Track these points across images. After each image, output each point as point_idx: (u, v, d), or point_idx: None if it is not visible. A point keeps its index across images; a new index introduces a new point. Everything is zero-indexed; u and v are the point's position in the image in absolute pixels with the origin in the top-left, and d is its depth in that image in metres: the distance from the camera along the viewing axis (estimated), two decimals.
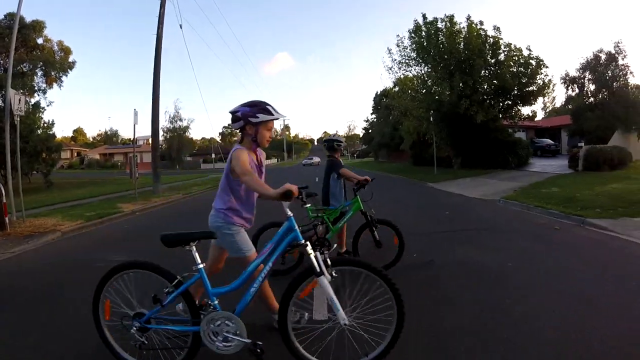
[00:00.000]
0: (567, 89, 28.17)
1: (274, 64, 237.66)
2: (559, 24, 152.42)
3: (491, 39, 22.07)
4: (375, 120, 58.88)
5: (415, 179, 21.29)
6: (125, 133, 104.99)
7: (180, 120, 59.41)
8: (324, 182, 5.25)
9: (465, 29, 22.20)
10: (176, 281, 2.53)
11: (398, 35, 24.87)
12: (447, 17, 22.68)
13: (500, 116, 23.39)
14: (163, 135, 54.33)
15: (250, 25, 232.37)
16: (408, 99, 25.99)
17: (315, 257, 2.46)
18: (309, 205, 4.67)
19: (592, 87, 26.52)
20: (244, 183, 2.81)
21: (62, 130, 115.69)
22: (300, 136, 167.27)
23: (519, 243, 6.37)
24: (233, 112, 2.94)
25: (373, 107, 59.38)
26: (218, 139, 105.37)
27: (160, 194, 16.48)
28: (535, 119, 31.51)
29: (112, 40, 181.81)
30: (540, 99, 23.33)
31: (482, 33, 22.05)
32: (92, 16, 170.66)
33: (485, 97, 22.13)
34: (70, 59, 26.27)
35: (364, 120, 70.92)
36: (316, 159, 67.44)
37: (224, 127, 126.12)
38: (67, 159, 68.32)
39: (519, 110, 23.56)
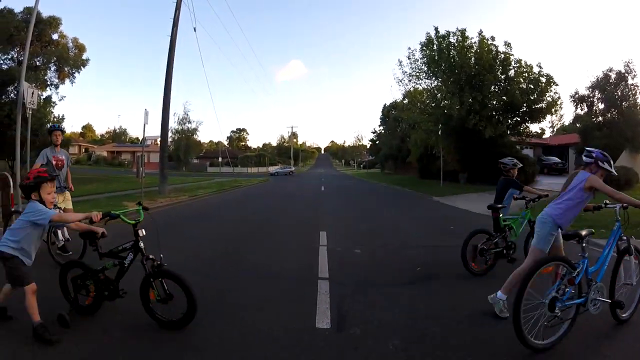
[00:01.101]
0: (576, 107, 28.11)
1: (286, 71, 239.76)
2: (569, 41, 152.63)
3: (502, 55, 22.07)
4: (383, 131, 58.94)
5: (421, 192, 21.20)
6: (134, 132, 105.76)
7: (189, 122, 59.91)
8: (497, 197, 5.94)
9: (477, 44, 22.21)
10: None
11: (409, 48, 24.83)
12: (459, 30, 22.71)
13: (509, 132, 23.31)
14: (171, 136, 54.64)
15: (264, 32, 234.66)
16: (417, 111, 26.00)
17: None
18: (501, 215, 5.62)
19: (601, 106, 26.43)
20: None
21: (71, 126, 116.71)
22: (308, 144, 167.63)
23: (522, 260, 6.28)
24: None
25: (381, 118, 59.53)
26: (225, 142, 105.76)
27: (166, 195, 16.54)
28: (543, 137, 31.38)
29: (125, 40, 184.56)
30: (548, 117, 23.24)
31: (493, 49, 22.06)
32: (107, 15, 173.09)
33: (494, 112, 22.06)
34: (84, 56, 26.48)
35: (372, 132, 70.83)
36: (289, 169, 64.54)
37: (232, 131, 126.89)
38: (75, 155, 68.76)
39: (527, 127, 23.48)
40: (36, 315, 3.19)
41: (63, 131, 6.62)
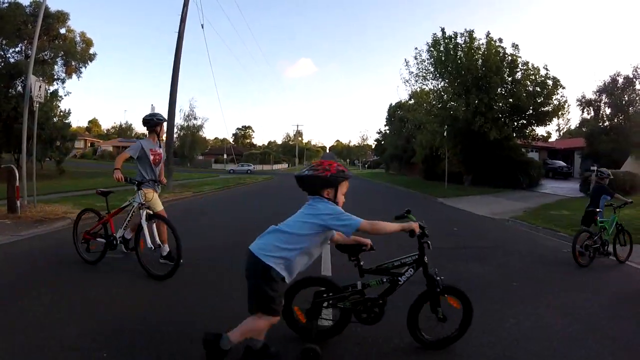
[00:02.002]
0: (583, 111, 28.04)
1: (295, 68, 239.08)
2: (577, 44, 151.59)
3: (509, 57, 21.99)
4: (388, 131, 58.83)
5: (426, 193, 21.18)
6: (140, 127, 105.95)
7: (195, 118, 60.02)
8: (592, 201, 7.00)
9: (484, 46, 22.13)
10: None
11: (416, 48, 24.77)
12: (466, 32, 22.62)
13: (515, 135, 23.24)
14: (177, 132, 54.83)
15: (274, 30, 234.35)
16: (423, 112, 25.94)
17: None
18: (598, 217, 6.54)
19: (608, 110, 26.33)
20: None
21: (77, 120, 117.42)
22: (313, 143, 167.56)
23: (525, 263, 6.33)
24: None
25: (387, 118, 59.36)
26: (231, 140, 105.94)
27: (170, 191, 16.58)
28: (549, 140, 31.30)
29: (133, 36, 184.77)
30: (555, 120, 23.16)
31: (501, 51, 21.98)
32: (115, 10, 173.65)
33: (500, 115, 21.99)
34: (91, 51, 26.59)
35: (377, 132, 70.74)
36: (249, 167, 60.20)
37: (238, 128, 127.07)
38: (81, 149, 69.17)
39: (533, 130, 23.38)
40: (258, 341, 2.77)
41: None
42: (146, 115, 5.40)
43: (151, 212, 4.91)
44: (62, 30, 24.90)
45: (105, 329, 3.34)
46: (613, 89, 25.17)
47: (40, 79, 11.03)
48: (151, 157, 5.33)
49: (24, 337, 3.12)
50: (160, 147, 5.52)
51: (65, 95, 24.66)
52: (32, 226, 7.57)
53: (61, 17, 23.90)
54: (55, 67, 24.20)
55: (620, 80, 25.00)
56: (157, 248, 4.77)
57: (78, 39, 26.07)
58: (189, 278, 4.81)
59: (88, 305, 3.87)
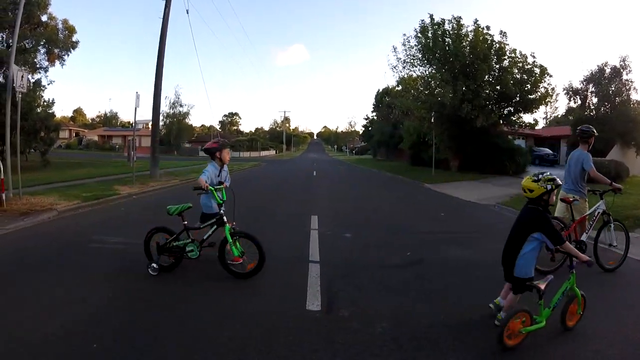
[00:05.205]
0: (570, 100, 28.25)
1: (284, 55, 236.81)
2: (566, 33, 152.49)
3: (497, 45, 22.02)
4: (375, 118, 58.85)
5: (413, 179, 21.32)
6: (125, 116, 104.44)
7: (181, 106, 59.38)
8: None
9: (472, 33, 22.13)
10: None
11: (404, 34, 24.61)
12: (454, 19, 22.55)
13: (501, 122, 23.40)
14: (162, 120, 54.14)
15: (262, 16, 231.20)
16: (410, 98, 25.94)
17: None
18: None
19: (594, 99, 26.59)
20: None
21: (61, 110, 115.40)
22: (300, 129, 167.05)
23: None
24: None
25: (374, 104, 59.37)
26: (218, 127, 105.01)
27: (157, 179, 16.48)
28: (536, 128, 31.58)
29: (116, 22, 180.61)
30: (542, 108, 23.34)
31: (489, 38, 21.98)
32: None
33: (487, 102, 22.08)
34: (74, 38, 26.02)
35: (364, 118, 70.63)
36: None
37: (224, 115, 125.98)
38: (66, 139, 67.94)
39: (520, 117, 23.54)
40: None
41: None
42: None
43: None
44: (44, 18, 24.28)
45: (96, 320, 3.37)
46: (600, 79, 25.41)
47: (23, 68, 10.78)
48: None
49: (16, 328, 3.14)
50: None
51: (48, 85, 24.14)
52: (18, 219, 7.48)
53: (42, 4, 23.24)
54: (38, 55, 23.67)
55: (608, 70, 25.24)
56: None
57: (60, 26, 25.48)
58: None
59: (82, 294, 3.89)
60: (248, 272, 4.56)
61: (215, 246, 4.64)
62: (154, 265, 4.56)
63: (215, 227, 4.67)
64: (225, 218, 4.60)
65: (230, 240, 4.52)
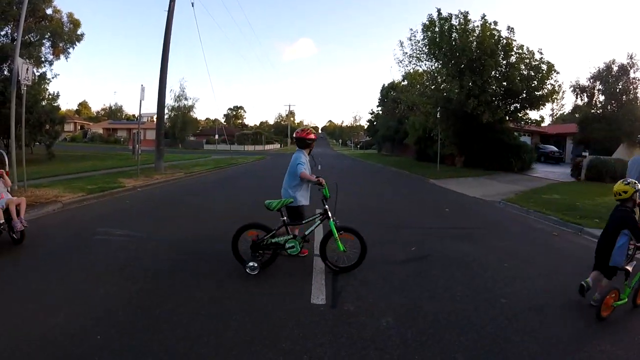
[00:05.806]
0: (576, 98, 28.04)
1: (292, 49, 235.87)
2: (574, 30, 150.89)
3: (504, 40, 21.84)
4: (381, 112, 58.64)
5: (418, 174, 21.24)
6: (130, 109, 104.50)
7: (186, 99, 59.26)
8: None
9: (479, 28, 21.95)
10: None
11: (411, 29, 24.52)
12: (461, 13, 22.38)
13: (507, 118, 23.26)
14: (167, 113, 54.05)
15: (269, 9, 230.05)
16: (416, 93, 25.82)
17: None
18: None
19: (601, 97, 26.36)
20: None
21: (66, 103, 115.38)
22: (305, 123, 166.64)
23: (515, 245, 6.40)
24: None
25: (379, 99, 59.10)
26: (222, 120, 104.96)
27: (162, 172, 16.49)
28: (542, 125, 31.42)
29: (121, 15, 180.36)
30: (548, 105, 23.15)
31: (496, 33, 21.80)
32: None
33: (493, 98, 21.91)
34: (79, 32, 25.95)
35: (370, 112, 70.27)
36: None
37: (229, 108, 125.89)
38: (70, 132, 68.20)
39: (526, 113, 23.38)
40: None
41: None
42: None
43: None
44: (49, 11, 24.24)
45: (103, 312, 3.37)
46: (607, 77, 25.17)
47: (28, 61, 10.79)
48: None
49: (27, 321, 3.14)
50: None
51: (53, 78, 24.01)
52: None
53: None
54: (42, 49, 23.66)
55: (615, 68, 24.98)
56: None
57: (65, 19, 25.42)
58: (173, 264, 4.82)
59: (90, 284, 3.89)
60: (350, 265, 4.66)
61: (309, 241, 4.80)
62: (253, 264, 4.39)
63: (319, 222, 4.77)
64: (329, 213, 4.68)
65: (336, 235, 4.59)
